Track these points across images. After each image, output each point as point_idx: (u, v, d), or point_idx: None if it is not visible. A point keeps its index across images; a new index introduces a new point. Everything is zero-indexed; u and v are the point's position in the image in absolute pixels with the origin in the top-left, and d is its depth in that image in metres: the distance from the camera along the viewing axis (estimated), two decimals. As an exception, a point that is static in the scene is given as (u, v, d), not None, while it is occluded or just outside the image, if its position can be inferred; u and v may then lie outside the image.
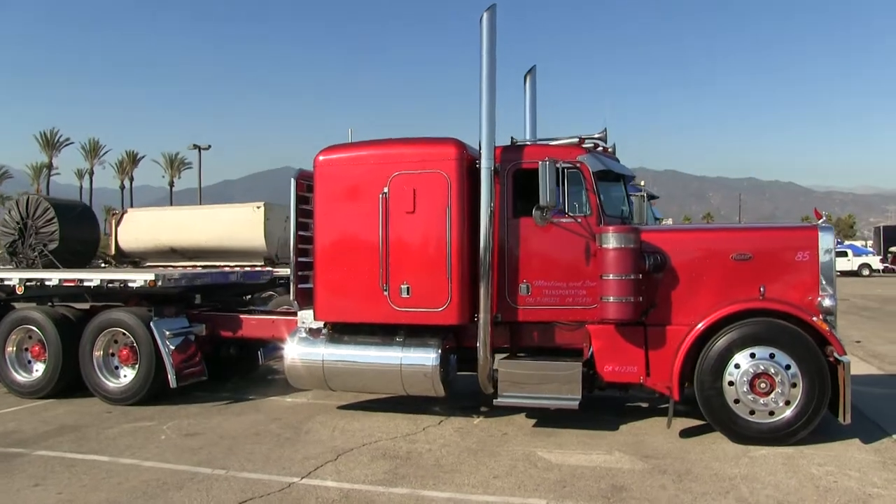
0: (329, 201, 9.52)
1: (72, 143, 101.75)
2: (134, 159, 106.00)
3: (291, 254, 10.01)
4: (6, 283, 11.53)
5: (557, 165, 8.70)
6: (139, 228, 18.75)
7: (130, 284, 10.67)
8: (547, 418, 9.46)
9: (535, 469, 7.53)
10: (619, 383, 9.17)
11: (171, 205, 21.85)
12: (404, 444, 8.47)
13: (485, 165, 8.91)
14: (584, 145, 9.47)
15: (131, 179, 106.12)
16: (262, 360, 12.08)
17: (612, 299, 8.64)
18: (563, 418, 9.36)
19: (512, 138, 9.73)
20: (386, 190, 9.22)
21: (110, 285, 10.81)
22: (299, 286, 10.02)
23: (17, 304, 13.40)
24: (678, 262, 8.93)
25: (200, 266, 17.73)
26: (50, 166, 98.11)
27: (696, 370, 8.42)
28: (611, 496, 6.71)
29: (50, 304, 11.92)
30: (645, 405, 10.38)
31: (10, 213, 15.21)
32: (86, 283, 10.99)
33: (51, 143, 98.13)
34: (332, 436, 8.87)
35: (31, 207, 14.73)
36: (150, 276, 10.49)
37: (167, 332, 10.44)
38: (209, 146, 51.84)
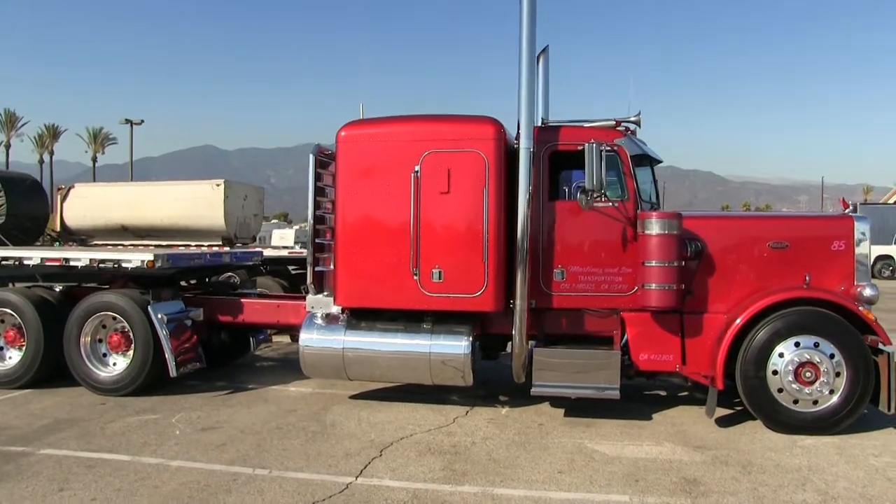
0: (353, 179, 8.93)
1: None
2: (54, 133, 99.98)
3: (309, 235, 9.36)
4: (-25, 261, 10.48)
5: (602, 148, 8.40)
6: (88, 205, 17.61)
7: (125, 265, 9.81)
8: (575, 407, 9.21)
9: (596, 462, 7.26)
10: (653, 371, 9.00)
11: (94, 180, 20.32)
12: (444, 438, 8.06)
13: (524, 146, 8.51)
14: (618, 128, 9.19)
15: (51, 154, 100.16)
16: (254, 347, 11.43)
17: (654, 286, 8.44)
18: (590, 407, 9.13)
19: (543, 119, 9.37)
20: (418, 168, 8.71)
21: (102, 265, 9.91)
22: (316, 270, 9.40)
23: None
24: (715, 250, 8.81)
25: (153, 245, 16.81)
26: None
27: (739, 359, 8.29)
28: (690, 490, 6.50)
29: (11, 284, 10.96)
30: (663, 393, 10.26)
31: None
32: (72, 263, 10.05)
33: None
34: (361, 429, 8.37)
35: None
36: (148, 256, 9.69)
37: (164, 317, 9.65)
38: (142, 121, 49.09)
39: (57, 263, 10.12)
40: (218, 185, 17.03)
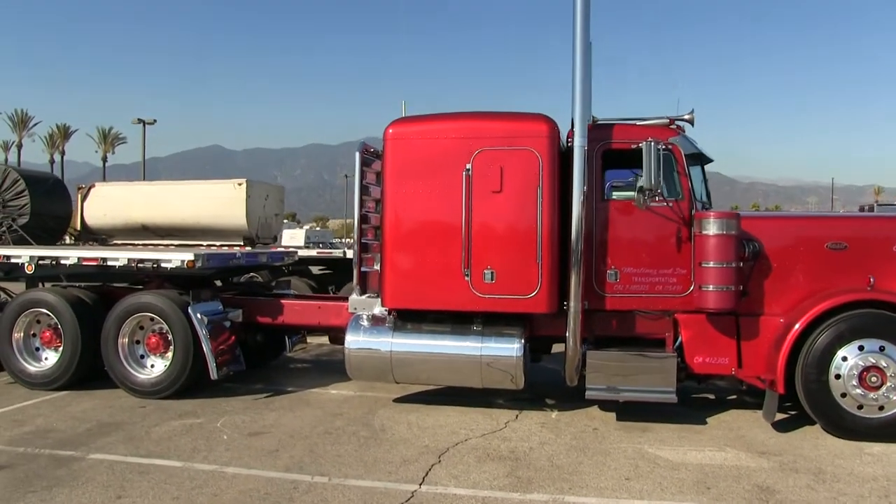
0: (402, 178, 8.71)
1: None
2: (65, 133, 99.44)
3: (355, 234, 9.15)
4: (13, 260, 10.27)
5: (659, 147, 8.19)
6: (108, 204, 17.31)
7: (164, 265, 9.61)
8: (626, 411, 9.01)
9: (661, 469, 7.06)
10: (707, 375, 8.81)
11: (105, 180, 20.19)
12: (500, 443, 7.85)
13: (578, 144, 8.30)
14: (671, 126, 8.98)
15: (62, 154, 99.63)
16: (289, 348, 11.23)
17: (711, 288, 8.23)
18: (641, 411, 8.93)
19: (593, 117, 9.16)
20: (469, 167, 8.50)
21: (141, 265, 9.71)
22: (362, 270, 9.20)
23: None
24: (771, 250, 8.59)
25: (174, 244, 16.60)
26: None
27: (800, 363, 8.07)
28: (766, 499, 6.29)
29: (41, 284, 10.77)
30: (712, 397, 10.06)
31: None
32: (109, 263, 9.85)
33: None
34: (413, 434, 8.16)
35: None
36: (188, 256, 9.48)
37: (205, 319, 9.44)
38: (154, 121, 48.58)
39: (94, 263, 9.93)
40: (240, 185, 16.76)
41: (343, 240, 49.94)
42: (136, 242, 17.15)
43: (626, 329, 8.95)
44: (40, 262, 10.12)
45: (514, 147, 8.46)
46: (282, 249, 14.31)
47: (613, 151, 8.73)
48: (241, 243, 16.82)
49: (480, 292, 8.52)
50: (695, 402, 9.76)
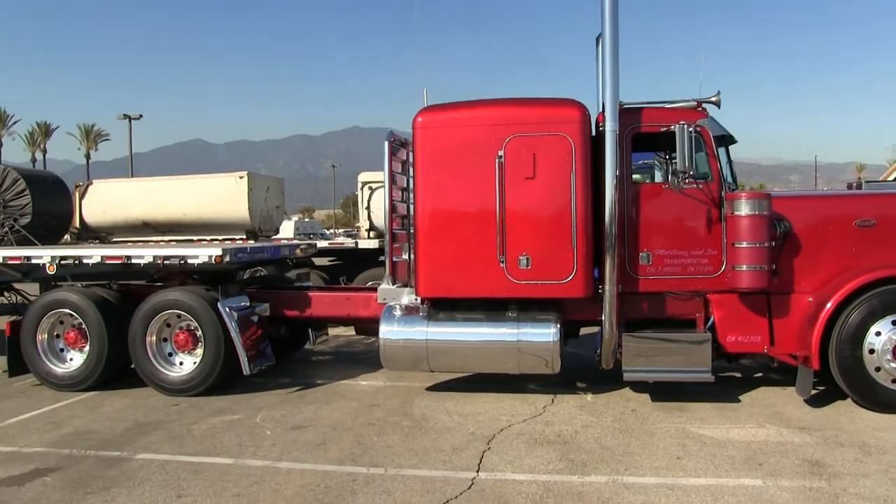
0: (433, 166, 8.70)
1: None
2: (46, 130, 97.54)
3: (386, 224, 9.13)
4: (34, 261, 10.13)
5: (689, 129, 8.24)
6: (107, 201, 17.18)
7: (191, 261, 9.51)
8: (659, 392, 9.11)
9: (709, 447, 7.15)
10: (739, 353, 8.91)
11: (88, 179, 19.93)
12: (544, 427, 7.91)
13: (609, 128, 8.34)
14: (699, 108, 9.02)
15: (44, 152, 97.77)
16: (313, 340, 11.20)
17: (745, 268, 8.33)
18: (673, 391, 9.02)
19: (621, 101, 9.18)
20: (501, 153, 8.50)
21: (167, 262, 9.60)
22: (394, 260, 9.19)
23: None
24: (801, 229, 8.68)
25: (175, 240, 16.47)
26: None
27: (834, 339, 8.18)
28: (819, 472, 6.40)
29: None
30: (738, 375, 10.17)
31: None
32: (134, 261, 9.75)
33: None
34: (455, 422, 8.19)
35: None
36: (216, 251, 9.39)
37: (234, 314, 9.38)
38: (140, 116, 47.72)
39: (118, 262, 9.82)
40: (241, 178, 16.66)
41: (332, 230, 49.66)
42: (137, 239, 17.02)
43: (657, 311, 9.02)
44: (62, 261, 9.99)
45: (547, 133, 8.47)
46: (302, 242, 14.20)
47: (642, 135, 8.77)
48: (244, 237, 16.75)
49: (516, 278, 8.55)
50: (723, 381, 9.85)
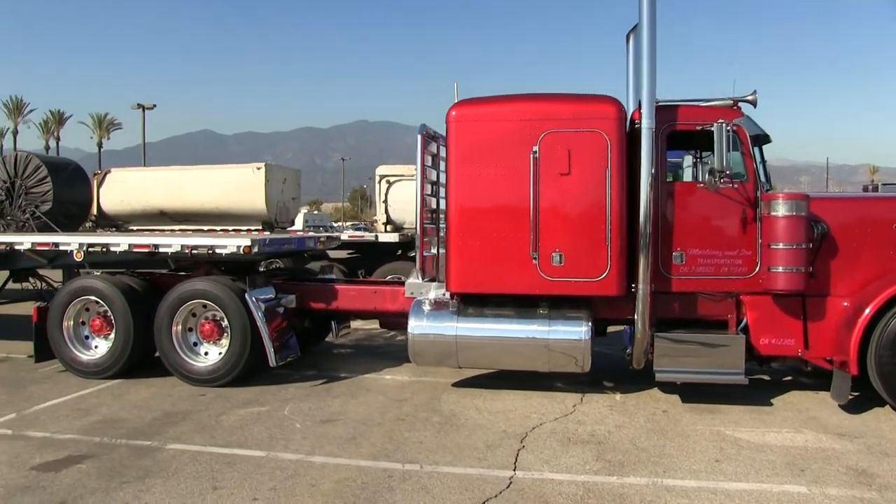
0: (466, 161, 8.61)
1: None
2: (60, 119, 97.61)
3: (417, 218, 9.04)
4: (62, 247, 10.08)
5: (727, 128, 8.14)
6: (125, 189, 17.10)
7: (219, 251, 9.44)
8: (688, 392, 9.02)
9: (746, 451, 7.07)
10: (772, 356, 8.82)
11: (100, 167, 19.85)
12: (576, 427, 7.83)
13: (646, 125, 8.24)
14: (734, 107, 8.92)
15: (57, 140, 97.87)
16: (336, 333, 11.13)
17: (781, 269, 8.24)
18: (704, 393, 8.94)
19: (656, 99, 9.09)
20: (536, 149, 8.41)
21: (195, 252, 9.54)
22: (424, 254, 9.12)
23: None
24: (838, 231, 8.59)
25: (191, 230, 16.41)
26: None
27: (873, 345, 8.05)
28: (868, 482, 6.28)
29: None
30: (767, 378, 10.07)
31: None
32: (162, 250, 9.68)
33: None
34: (486, 419, 8.12)
35: (21, 166, 13.23)
36: (245, 242, 9.31)
37: (262, 305, 9.31)
38: (154, 105, 47.61)
39: (146, 250, 9.75)
40: (259, 169, 16.56)
41: (340, 223, 49.58)
42: (154, 228, 16.97)
43: (689, 311, 8.92)
44: (90, 249, 9.94)
45: (582, 129, 8.38)
46: (328, 234, 14.13)
47: (678, 133, 8.67)
48: (260, 227, 16.67)
49: (549, 275, 8.47)
50: (753, 383, 9.66)
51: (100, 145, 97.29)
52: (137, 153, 48.50)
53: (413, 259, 15.23)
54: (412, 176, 16.91)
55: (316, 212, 51.26)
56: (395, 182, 17.02)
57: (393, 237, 16.25)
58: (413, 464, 6.72)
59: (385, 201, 17.22)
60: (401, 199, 16.86)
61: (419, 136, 8.97)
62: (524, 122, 8.50)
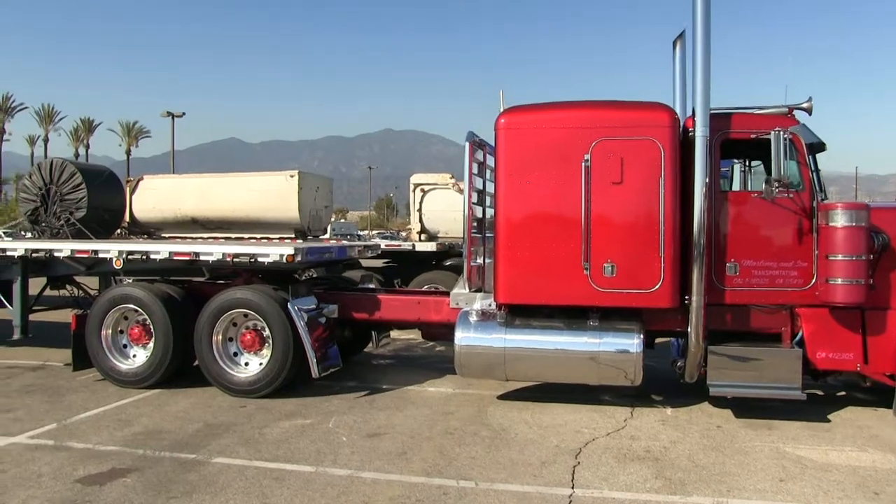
0: (516, 169, 8.42)
1: (25, 107, 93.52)
2: (90, 126, 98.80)
3: (465, 228, 8.85)
4: (101, 255, 10.01)
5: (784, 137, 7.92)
6: (157, 197, 17.10)
7: (262, 259, 9.30)
8: (741, 407, 8.78)
9: (811, 470, 6.81)
10: (828, 371, 8.56)
11: (129, 175, 19.89)
12: (630, 442, 7.61)
13: (700, 133, 8.04)
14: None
15: (87, 147, 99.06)
16: (376, 343, 10.96)
17: (839, 281, 7.99)
18: (755, 407, 8.75)
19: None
20: (588, 157, 8.21)
21: (237, 260, 9.40)
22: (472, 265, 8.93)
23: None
24: None
25: (222, 237, 16.36)
26: (2, 132, 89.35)
27: None
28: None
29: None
30: (820, 393, 9.78)
31: (30, 177, 13.64)
32: (203, 258, 9.56)
33: (4, 108, 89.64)
34: (537, 434, 7.90)
35: (56, 172, 13.22)
36: (288, 250, 9.18)
37: (304, 315, 9.16)
38: (183, 113, 47.90)
39: (186, 258, 9.63)
40: (292, 177, 16.47)
41: (366, 232, 49.48)
42: (186, 236, 16.94)
43: (741, 323, 8.67)
44: (129, 256, 9.83)
45: (635, 137, 8.17)
46: (367, 242, 14.02)
47: (732, 141, 8.46)
48: (293, 236, 16.58)
49: (600, 286, 8.26)
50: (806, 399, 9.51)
51: (128, 153, 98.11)
52: (164, 161, 48.78)
53: (449, 269, 15.13)
54: (446, 185, 16.81)
55: (342, 220, 51.27)
56: (429, 191, 16.89)
57: (430, 246, 16.09)
58: (467, 480, 6.53)
59: (419, 210, 17.09)
60: (435, 207, 16.74)
61: (467, 144, 8.79)
62: (575, 129, 8.31)
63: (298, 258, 9.15)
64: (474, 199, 9.30)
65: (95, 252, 10.10)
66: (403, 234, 30.72)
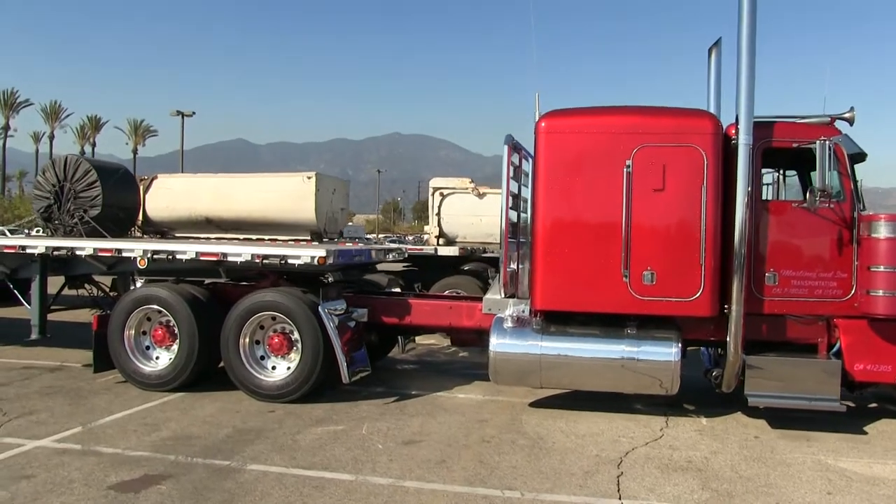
0: (556, 174, 8.31)
1: (31, 104, 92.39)
2: (96, 124, 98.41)
3: (502, 232, 8.73)
4: (125, 254, 9.85)
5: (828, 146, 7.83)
6: (172, 196, 16.90)
7: (292, 261, 9.16)
8: (777, 417, 8.69)
9: (858, 483, 6.72)
10: (865, 383, 8.47)
11: (135, 173, 19.69)
12: (670, 452, 7.50)
13: (743, 142, 7.97)
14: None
15: (93, 145, 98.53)
16: (402, 348, 10.84)
17: (881, 293, 7.91)
18: (790, 418, 8.63)
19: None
20: (629, 163, 8.11)
21: (266, 262, 9.26)
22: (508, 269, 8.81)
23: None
24: None
25: (237, 238, 16.19)
26: (7, 128, 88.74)
27: None
28: None
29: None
30: (852, 404, 9.66)
31: (44, 174, 13.43)
32: (231, 259, 9.41)
33: (9, 104, 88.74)
34: (575, 443, 7.79)
35: (70, 169, 12.99)
36: (320, 252, 9.05)
37: (335, 319, 9.03)
38: (193, 112, 47.67)
39: (213, 258, 9.48)
40: (309, 178, 16.30)
41: (373, 235, 49.31)
42: (200, 236, 16.75)
43: (778, 333, 8.59)
44: (154, 256, 9.68)
45: (678, 144, 8.08)
46: (393, 246, 13.90)
47: (774, 150, 8.38)
48: (308, 237, 16.42)
49: (639, 294, 8.15)
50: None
51: (135, 152, 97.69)
52: (170, 160, 48.65)
53: (469, 273, 15.01)
54: (466, 189, 16.69)
55: (350, 223, 51.11)
56: (448, 195, 16.78)
57: (452, 251, 15.96)
58: (512, 490, 6.40)
59: (438, 214, 16.97)
60: (454, 212, 16.63)
61: (505, 147, 8.67)
62: (617, 135, 8.21)
63: (330, 260, 9.02)
64: (510, 203, 9.19)
65: (119, 251, 9.93)
66: (410, 238, 30.57)
